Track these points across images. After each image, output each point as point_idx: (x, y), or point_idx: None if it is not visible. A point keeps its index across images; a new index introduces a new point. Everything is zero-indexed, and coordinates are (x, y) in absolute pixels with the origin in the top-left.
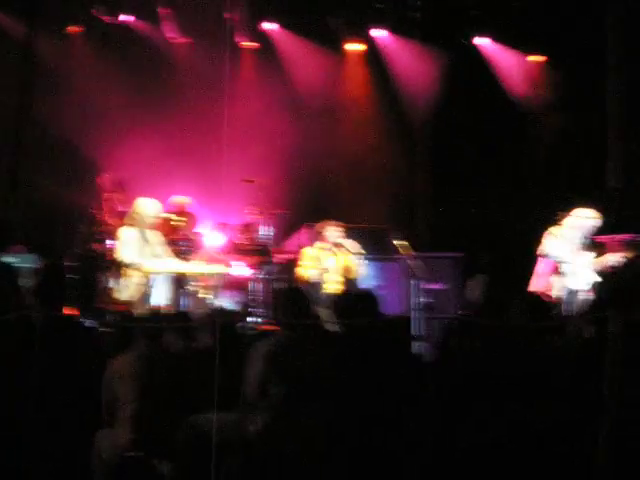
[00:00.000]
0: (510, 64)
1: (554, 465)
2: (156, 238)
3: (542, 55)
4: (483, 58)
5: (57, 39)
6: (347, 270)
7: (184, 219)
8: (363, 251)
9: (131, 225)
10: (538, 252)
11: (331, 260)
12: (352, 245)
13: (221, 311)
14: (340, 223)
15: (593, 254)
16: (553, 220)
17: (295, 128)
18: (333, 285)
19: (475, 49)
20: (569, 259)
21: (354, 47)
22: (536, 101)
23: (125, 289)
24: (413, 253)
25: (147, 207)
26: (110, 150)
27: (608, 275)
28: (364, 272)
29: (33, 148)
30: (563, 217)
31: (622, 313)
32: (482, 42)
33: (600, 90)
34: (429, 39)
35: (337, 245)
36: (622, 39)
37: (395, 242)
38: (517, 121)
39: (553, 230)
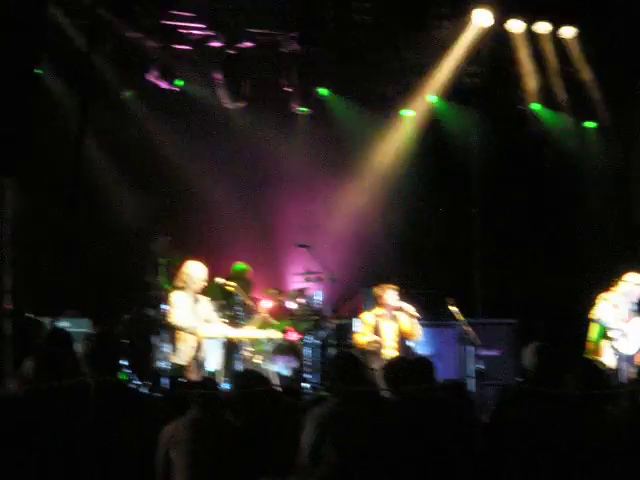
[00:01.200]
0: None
1: None
2: (206, 303)
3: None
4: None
5: (112, 106)
6: (408, 334)
7: (236, 284)
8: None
9: (182, 288)
10: (590, 316)
11: (389, 325)
12: (411, 308)
13: (278, 377)
14: (398, 286)
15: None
16: (607, 285)
17: (347, 191)
18: (391, 351)
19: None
20: (619, 325)
21: (407, 113)
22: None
23: (179, 354)
24: (468, 320)
25: (195, 270)
26: (167, 214)
27: None
28: (422, 336)
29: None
30: (616, 282)
31: None
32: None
33: None
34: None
35: (397, 309)
36: None
37: (450, 308)
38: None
39: (605, 295)
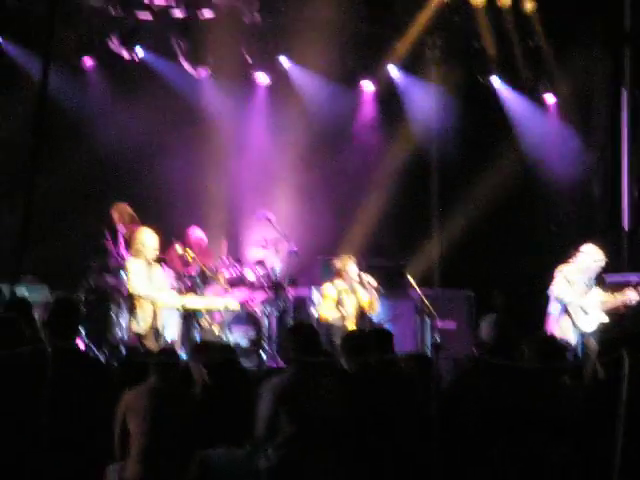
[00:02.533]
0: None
1: None
2: (160, 271)
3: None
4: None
5: (72, 74)
6: (368, 306)
7: (196, 252)
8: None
9: (136, 256)
10: (549, 293)
11: (351, 298)
12: (372, 280)
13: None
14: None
15: (601, 294)
16: (563, 258)
17: (308, 164)
18: (352, 325)
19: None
20: (579, 301)
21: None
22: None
23: (137, 322)
24: (425, 290)
25: (147, 238)
26: (126, 183)
27: (617, 316)
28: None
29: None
30: (574, 253)
31: (634, 354)
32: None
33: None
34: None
35: (358, 281)
36: None
37: (409, 279)
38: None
39: (562, 268)
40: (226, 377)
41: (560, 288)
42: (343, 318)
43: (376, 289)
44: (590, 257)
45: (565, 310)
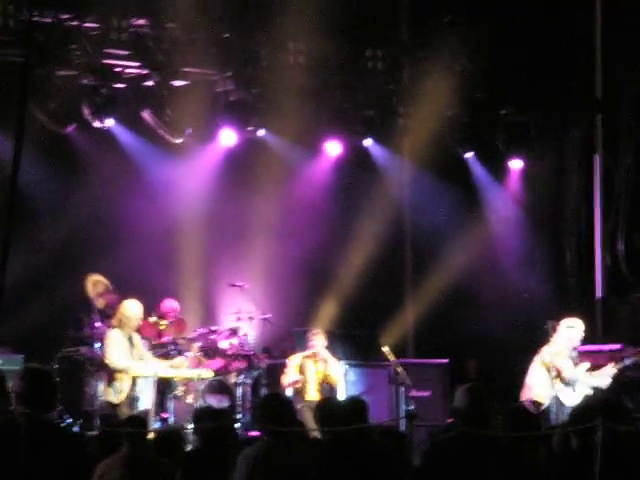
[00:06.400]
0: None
1: None
2: (140, 341)
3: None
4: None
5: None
6: (327, 378)
7: (170, 322)
8: (344, 360)
9: (119, 327)
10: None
11: (314, 367)
12: (333, 364)
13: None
14: (325, 330)
15: (586, 367)
16: (543, 330)
17: (282, 233)
18: (314, 393)
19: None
20: (578, 377)
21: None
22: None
23: (113, 392)
24: (400, 360)
25: (131, 309)
26: (100, 254)
27: (599, 388)
28: (346, 379)
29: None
30: (553, 326)
31: (608, 424)
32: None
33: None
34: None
35: (318, 353)
36: None
37: (383, 348)
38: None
39: (557, 350)
40: (222, 443)
41: (569, 370)
42: (302, 384)
43: (339, 360)
44: (572, 330)
45: (551, 381)
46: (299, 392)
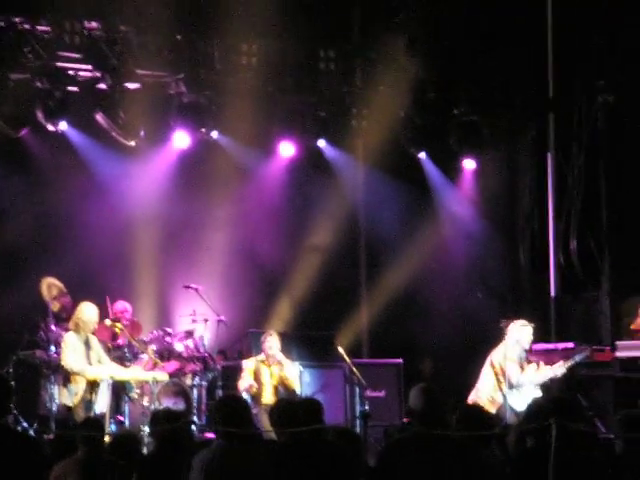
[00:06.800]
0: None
1: None
2: (97, 343)
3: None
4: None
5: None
6: (283, 381)
7: (125, 325)
8: (298, 363)
9: (74, 330)
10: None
11: (268, 371)
12: (287, 367)
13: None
14: (280, 332)
15: (533, 368)
16: (497, 329)
17: (236, 235)
18: (269, 396)
19: None
20: (525, 382)
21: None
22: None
23: (69, 395)
24: (354, 360)
25: (87, 312)
26: (54, 257)
27: (549, 386)
28: (302, 381)
29: None
30: (505, 326)
31: (562, 422)
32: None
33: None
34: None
35: (273, 356)
36: None
37: (338, 349)
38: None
39: (507, 351)
40: (178, 446)
41: (516, 375)
42: (256, 389)
43: (293, 363)
44: (521, 332)
45: (498, 385)
46: (255, 396)
